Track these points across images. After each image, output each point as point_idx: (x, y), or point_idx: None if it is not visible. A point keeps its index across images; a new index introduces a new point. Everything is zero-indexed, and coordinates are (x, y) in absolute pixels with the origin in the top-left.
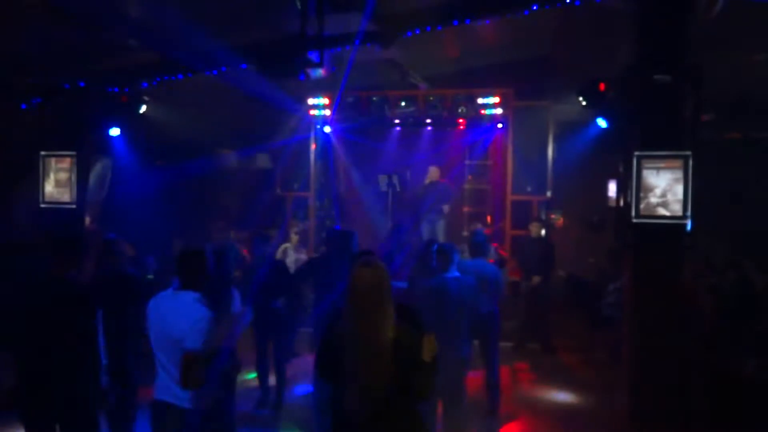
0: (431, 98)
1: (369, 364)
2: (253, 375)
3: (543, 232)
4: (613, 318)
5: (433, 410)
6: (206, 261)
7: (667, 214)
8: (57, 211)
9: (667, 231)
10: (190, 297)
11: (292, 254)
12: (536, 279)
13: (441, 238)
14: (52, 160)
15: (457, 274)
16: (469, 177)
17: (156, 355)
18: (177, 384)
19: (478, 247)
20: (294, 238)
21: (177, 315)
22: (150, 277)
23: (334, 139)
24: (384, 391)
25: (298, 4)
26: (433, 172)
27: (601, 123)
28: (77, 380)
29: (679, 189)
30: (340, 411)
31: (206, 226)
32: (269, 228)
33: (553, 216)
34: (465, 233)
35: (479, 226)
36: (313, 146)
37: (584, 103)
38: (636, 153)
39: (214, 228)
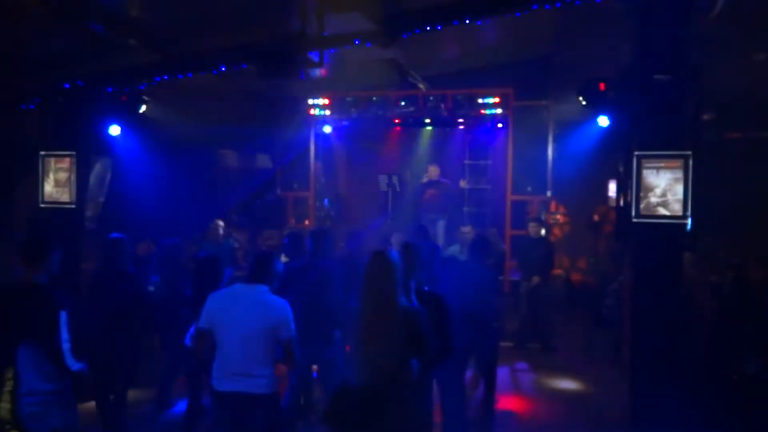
0: (431, 98)
1: (380, 335)
2: None
3: (543, 231)
4: (613, 318)
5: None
6: (275, 260)
7: (668, 213)
8: (57, 211)
9: (667, 231)
10: (265, 290)
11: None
12: (536, 279)
13: (441, 238)
14: (52, 160)
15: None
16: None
17: (224, 349)
18: (249, 374)
19: (477, 248)
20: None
21: (262, 308)
22: None
23: (334, 139)
24: (392, 360)
25: None
26: (433, 171)
27: (604, 121)
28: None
29: (679, 189)
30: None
31: (207, 225)
32: (271, 229)
33: (552, 220)
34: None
35: (468, 228)
36: (312, 146)
37: (584, 102)
38: (636, 153)
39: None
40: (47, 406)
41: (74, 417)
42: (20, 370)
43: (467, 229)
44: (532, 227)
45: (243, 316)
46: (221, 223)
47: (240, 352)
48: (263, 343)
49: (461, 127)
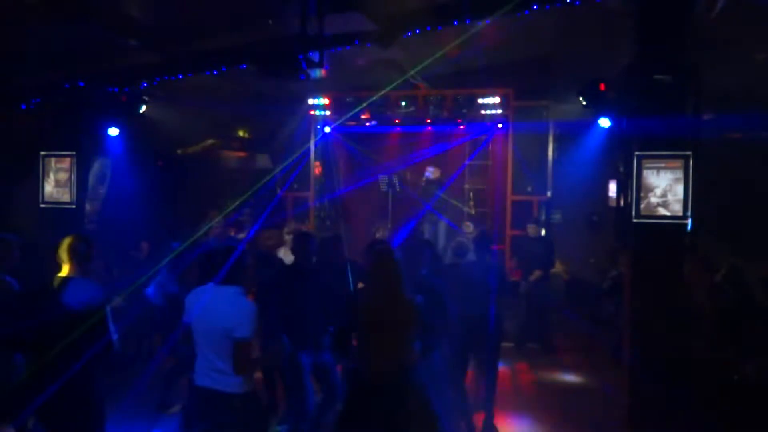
0: (431, 98)
1: (389, 325)
2: None
3: (543, 231)
4: (613, 318)
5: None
6: (246, 259)
7: (668, 213)
8: (57, 211)
9: (667, 231)
10: (233, 290)
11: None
12: (537, 273)
13: (442, 237)
14: (52, 160)
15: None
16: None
17: (198, 345)
18: (220, 371)
19: (480, 246)
20: (287, 239)
21: (225, 307)
22: None
23: (334, 139)
24: (396, 351)
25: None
26: (433, 172)
27: (604, 123)
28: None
29: (680, 189)
30: (358, 374)
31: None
32: (271, 228)
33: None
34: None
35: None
36: (312, 146)
37: (584, 103)
38: (636, 153)
39: (231, 228)
40: None
41: None
42: None
43: (470, 228)
44: (530, 229)
45: (211, 315)
46: (222, 222)
47: (210, 350)
48: (228, 342)
49: (461, 127)
